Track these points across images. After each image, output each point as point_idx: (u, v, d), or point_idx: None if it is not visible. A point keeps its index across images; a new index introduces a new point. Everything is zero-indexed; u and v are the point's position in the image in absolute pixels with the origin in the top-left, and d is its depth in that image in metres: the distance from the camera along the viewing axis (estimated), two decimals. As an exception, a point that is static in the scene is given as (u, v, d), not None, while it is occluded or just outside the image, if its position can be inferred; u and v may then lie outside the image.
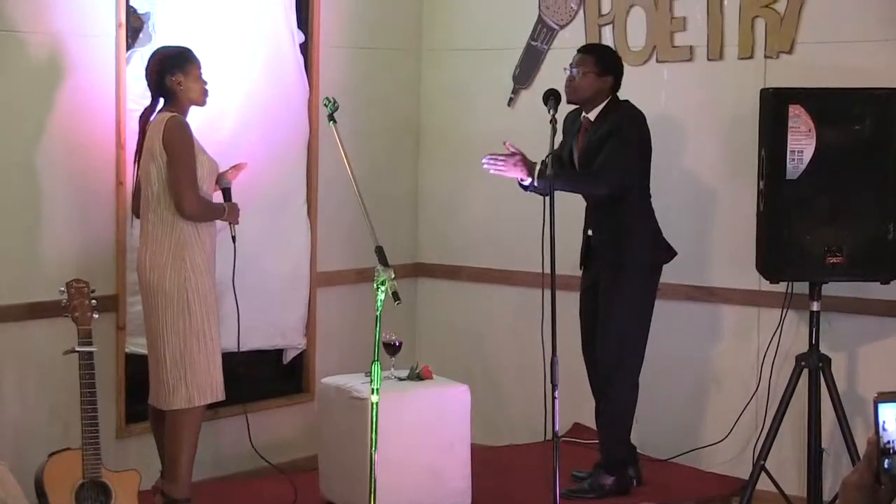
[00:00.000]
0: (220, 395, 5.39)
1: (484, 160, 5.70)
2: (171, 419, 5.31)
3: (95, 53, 5.67)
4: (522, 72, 6.88)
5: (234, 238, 5.49)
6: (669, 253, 5.85)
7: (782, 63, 6.08)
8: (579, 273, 6.01)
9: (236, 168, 5.63)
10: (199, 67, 5.36)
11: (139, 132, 5.38)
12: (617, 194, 5.71)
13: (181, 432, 5.30)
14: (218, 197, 5.48)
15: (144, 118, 5.36)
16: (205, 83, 5.37)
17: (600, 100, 5.79)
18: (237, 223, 5.50)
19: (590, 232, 5.90)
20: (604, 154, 5.66)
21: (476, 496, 5.69)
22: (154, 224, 5.26)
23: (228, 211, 5.45)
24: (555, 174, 5.27)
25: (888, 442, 2.42)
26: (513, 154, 5.64)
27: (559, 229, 5.07)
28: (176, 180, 5.19)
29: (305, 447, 6.35)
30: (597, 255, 5.87)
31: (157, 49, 5.48)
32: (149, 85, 5.38)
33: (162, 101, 5.33)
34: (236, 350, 5.62)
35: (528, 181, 5.63)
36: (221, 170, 5.53)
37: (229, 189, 5.51)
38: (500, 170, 5.67)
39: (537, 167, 5.58)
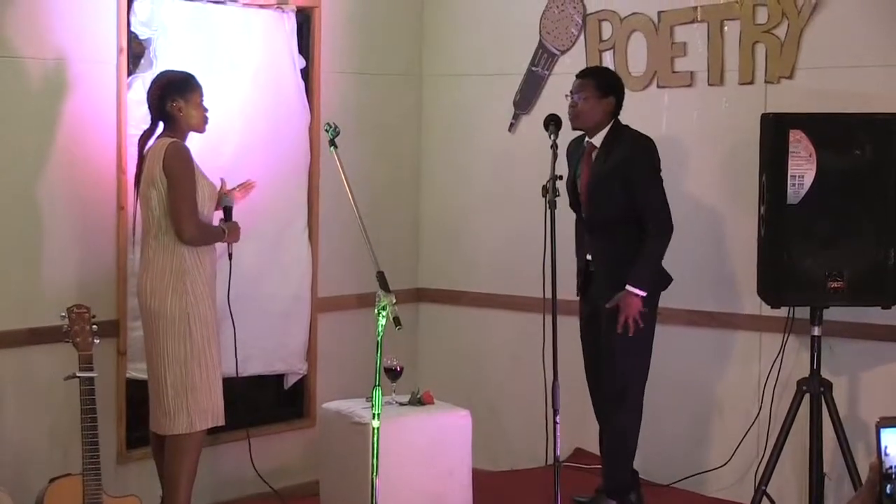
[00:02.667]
0: (220, 420, 5.39)
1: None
2: (171, 444, 5.30)
3: (97, 79, 5.68)
4: (523, 97, 6.89)
5: (230, 255, 5.49)
6: (666, 280, 5.85)
7: (783, 88, 6.09)
8: (579, 298, 6.00)
9: (244, 187, 5.64)
10: (201, 94, 5.37)
11: (138, 155, 5.39)
12: (608, 218, 5.77)
13: (181, 457, 5.29)
14: (219, 216, 5.49)
15: (143, 141, 5.37)
16: (205, 110, 5.38)
17: (605, 123, 5.79)
18: (237, 241, 5.51)
19: (588, 257, 5.89)
20: (645, 205, 5.68)
21: (477, 521, 5.69)
22: (155, 250, 5.26)
23: (229, 232, 5.46)
24: (639, 277, 5.60)
25: (890, 467, 2.42)
26: (625, 314, 5.65)
27: (559, 255, 5.08)
28: (176, 206, 5.20)
29: (306, 472, 6.34)
30: (597, 283, 5.86)
31: (161, 73, 5.50)
32: (149, 108, 5.39)
33: (161, 125, 5.34)
34: (235, 375, 5.60)
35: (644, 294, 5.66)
36: (229, 188, 5.55)
37: (230, 208, 5.53)
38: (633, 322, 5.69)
39: (639, 293, 5.63)
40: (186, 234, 5.22)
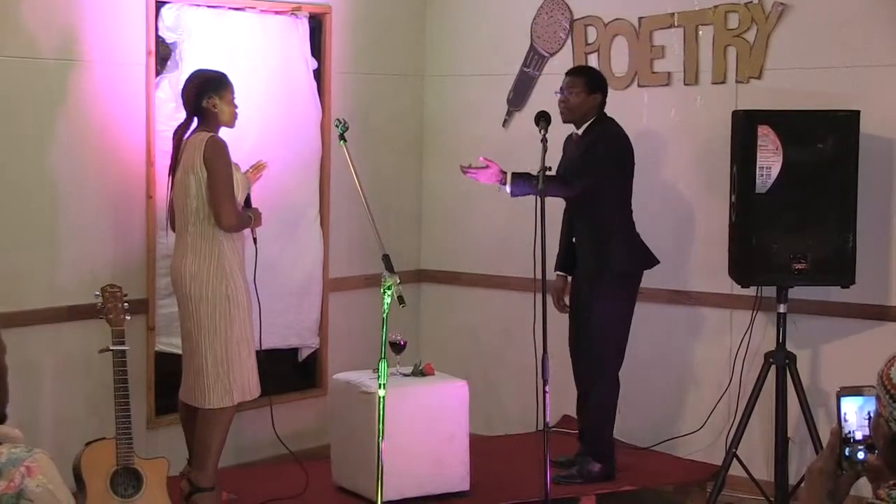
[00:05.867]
0: (255, 393, 5.36)
1: (465, 170, 5.67)
2: (206, 415, 5.25)
3: (128, 79, 5.68)
4: (516, 95, 6.88)
5: (255, 240, 5.46)
6: (650, 261, 5.85)
7: (752, 87, 6.09)
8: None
9: (257, 168, 5.59)
10: (233, 92, 5.32)
11: (173, 147, 5.34)
12: (584, 199, 5.71)
13: (215, 428, 5.25)
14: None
15: (179, 135, 5.32)
16: (235, 106, 5.34)
17: (590, 116, 5.78)
18: (260, 226, 5.49)
19: (574, 239, 5.89)
20: (577, 163, 5.68)
21: (474, 481, 5.69)
22: (194, 236, 5.20)
23: (254, 218, 5.42)
24: (530, 181, 5.33)
25: (849, 432, 2.43)
26: (486, 166, 5.61)
27: (548, 239, 5.08)
28: (217, 196, 5.15)
29: (319, 437, 6.35)
30: (580, 262, 5.86)
31: (196, 71, 5.45)
32: (185, 104, 5.33)
33: (196, 120, 5.31)
34: (259, 348, 5.59)
35: (506, 188, 5.55)
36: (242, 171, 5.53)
37: (249, 196, 5.48)
38: (473, 176, 5.65)
39: (509, 175, 5.55)
40: (226, 221, 5.17)
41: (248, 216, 5.37)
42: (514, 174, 5.53)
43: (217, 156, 5.16)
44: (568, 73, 5.90)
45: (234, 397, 5.25)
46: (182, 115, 5.37)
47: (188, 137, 5.27)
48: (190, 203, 5.20)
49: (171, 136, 5.41)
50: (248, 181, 5.42)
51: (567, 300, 5.97)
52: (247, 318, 5.28)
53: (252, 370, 5.32)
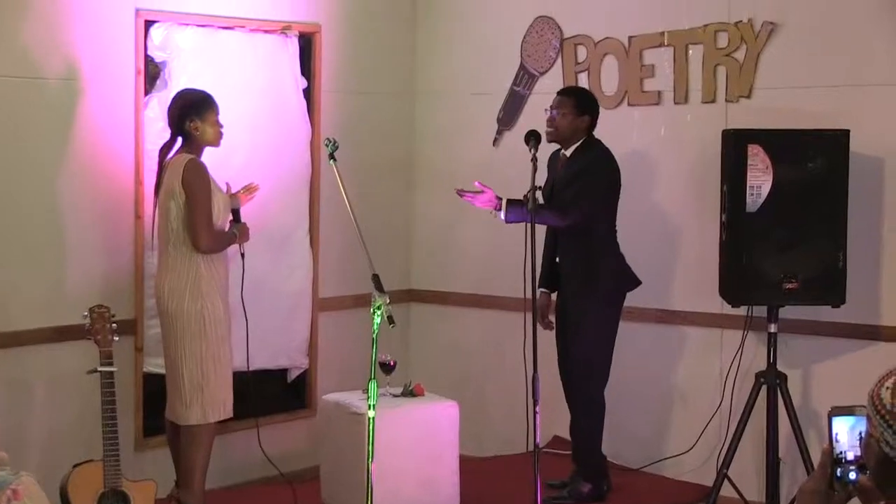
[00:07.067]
0: (229, 413, 5.39)
1: (461, 193, 5.72)
2: (187, 433, 5.29)
3: (116, 98, 5.67)
4: (506, 114, 6.89)
5: (242, 255, 5.47)
6: (633, 282, 5.85)
7: (742, 106, 6.10)
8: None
9: (248, 190, 5.61)
10: (217, 112, 5.35)
11: (158, 166, 5.39)
12: (579, 227, 5.71)
13: (196, 446, 5.29)
14: (227, 218, 5.46)
15: (163, 153, 5.36)
16: (220, 126, 5.37)
17: (578, 138, 5.80)
18: (248, 241, 5.49)
19: (557, 259, 5.89)
20: (572, 191, 5.68)
21: (464, 502, 5.67)
22: (173, 257, 5.26)
23: (240, 234, 5.44)
24: (523, 207, 5.35)
25: (840, 452, 2.42)
26: (482, 191, 5.64)
27: (538, 259, 5.07)
28: (193, 219, 5.20)
29: (308, 458, 6.32)
30: (565, 281, 5.87)
31: (180, 92, 5.48)
32: (169, 124, 5.38)
33: (180, 140, 5.33)
34: (247, 368, 5.58)
35: (500, 214, 5.61)
36: (234, 191, 5.53)
37: (238, 210, 5.50)
38: (469, 200, 5.69)
39: (503, 201, 5.58)
40: (203, 244, 5.21)
41: (231, 234, 5.40)
42: (508, 201, 5.54)
43: (195, 179, 5.20)
44: (559, 93, 5.93)
45: (209, 415, 5.28)
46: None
47: (170, 158, 5.31)
48: (170, 224, 5.26)
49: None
50: (229, 201, 5.44)
51: (552, 317, 5.98)
52: (225, 337, 5.31)
53: (228, 389, 5.34)
